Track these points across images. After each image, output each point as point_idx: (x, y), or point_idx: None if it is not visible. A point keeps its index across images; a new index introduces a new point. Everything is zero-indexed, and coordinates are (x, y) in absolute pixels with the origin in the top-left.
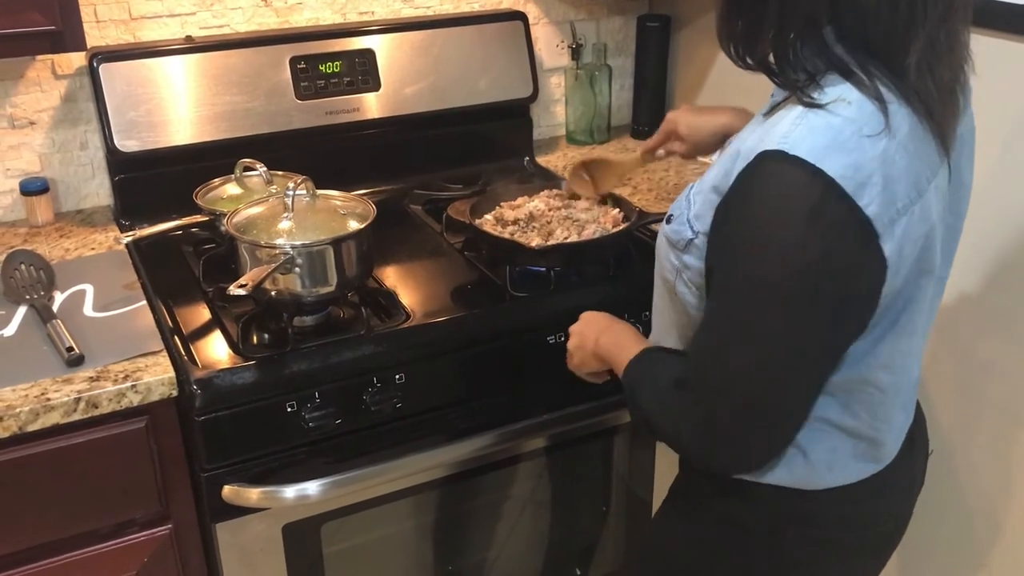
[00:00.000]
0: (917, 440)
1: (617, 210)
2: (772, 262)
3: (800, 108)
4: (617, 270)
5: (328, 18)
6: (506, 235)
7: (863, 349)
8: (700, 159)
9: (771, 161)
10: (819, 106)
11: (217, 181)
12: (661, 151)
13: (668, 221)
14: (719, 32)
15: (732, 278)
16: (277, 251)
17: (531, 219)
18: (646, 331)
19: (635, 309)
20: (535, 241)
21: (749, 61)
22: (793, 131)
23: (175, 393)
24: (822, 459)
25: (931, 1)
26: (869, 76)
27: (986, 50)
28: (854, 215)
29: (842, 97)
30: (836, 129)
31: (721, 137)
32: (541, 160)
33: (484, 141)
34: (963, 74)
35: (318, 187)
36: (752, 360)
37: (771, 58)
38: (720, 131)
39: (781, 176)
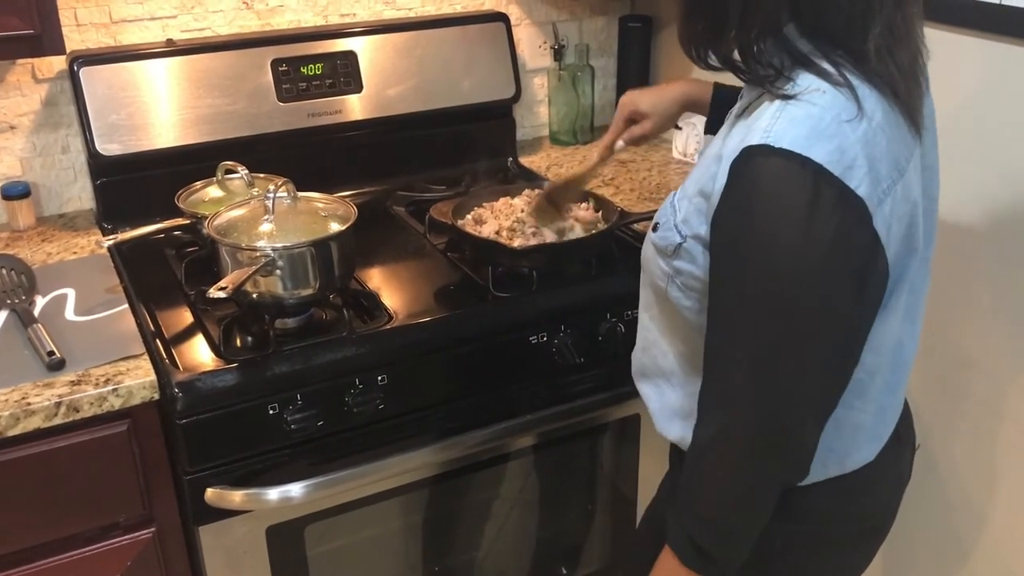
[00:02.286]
0: (904, 435)
1: (600, 211)
2: (788, 262)
3: (777, 102)
4: (599, 270)
5: (309, 20)
6: (487, 236)
7: None
8: (676, 156)
9: (758, 156)
10: (795, 97)
11: (199, 184)
12: (620, 143)
13: (654, 229)
14: (680, 35)
15: (753, 294)
16: (258, 253)
17: (513, 219)
18: (630, 331)
19: (617, 308)
20: (517, 242)
21: (712, 62)
22: (775, 124)
23: (156, 396)
24: (818, 457)
25: None
26: (835, 65)
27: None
28: (848, 196)
29: (815, 87)
30: (816, 117)
31: (681, 106)
32: (524, 160)
33: (467, 142)
34: (921, 57)
35: (301, 189)
36: (804, 363)
37: (736, 56)
38: (681, 99)
39: (771, 169)
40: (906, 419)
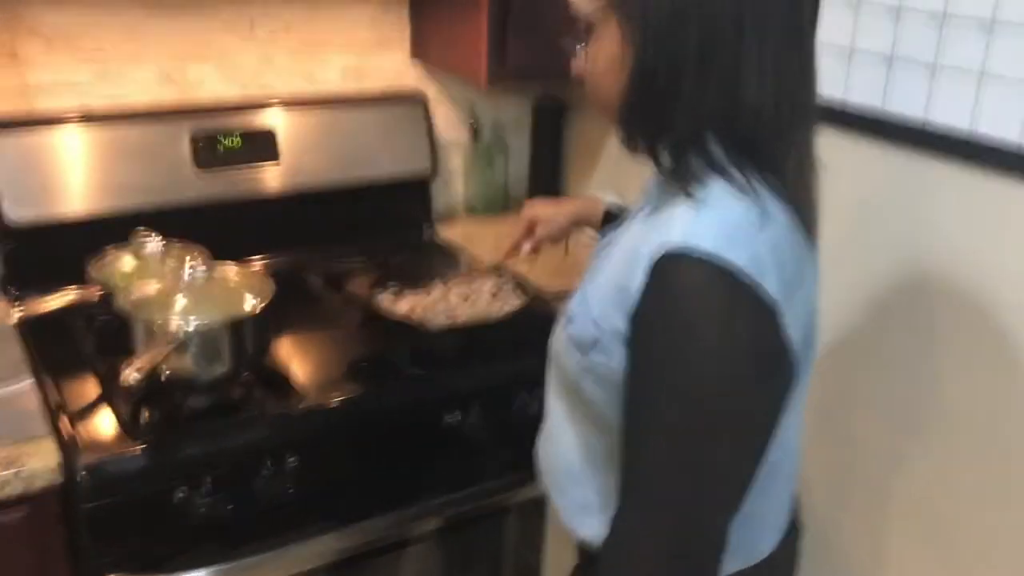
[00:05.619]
0: (795, 518)
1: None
2: (706, 362)
3: (693, 206)
4: (512, 350)
5: (229, 93)
6: (402, 315)
7: None
8: (589, 232)
9: (678, 258)
10: (708, 204)
11: (111, 252)
12: (527, 246)
13: (568, 322)
14: (620, 114)
15: (670, 393)
16: (171, 331)
17: (429, 299)
18: (542, 410)
19: (531, 385)
20: (431, 321)
21: (641, 147)
22: (692, 228)
23: (61, 480)
24: (727, 550)
25: (804, 106)
26: (745, 175)
27: None
28: (763, 300)
29: (727, 194)
30: (732, 224)
31: (572, 221)
32: (441, 232)
33: (385, 214)
34: (817, 176)
35: (217, 258)
36: (718, 462)
37: (665, 147)
38: (572, 214)
39: (691, 273)
40: (796, 503)
